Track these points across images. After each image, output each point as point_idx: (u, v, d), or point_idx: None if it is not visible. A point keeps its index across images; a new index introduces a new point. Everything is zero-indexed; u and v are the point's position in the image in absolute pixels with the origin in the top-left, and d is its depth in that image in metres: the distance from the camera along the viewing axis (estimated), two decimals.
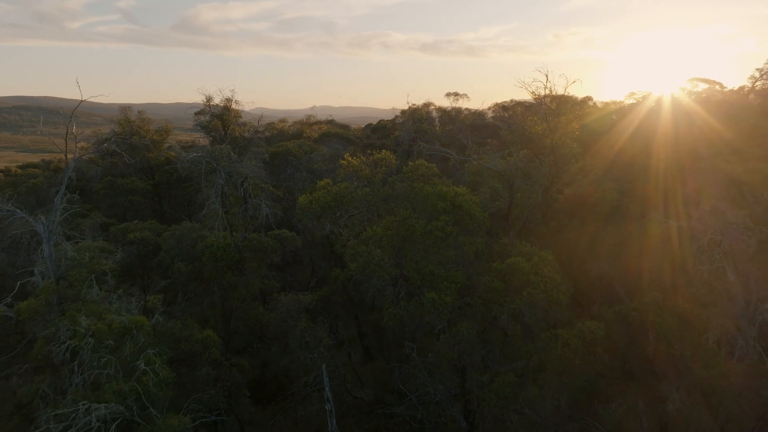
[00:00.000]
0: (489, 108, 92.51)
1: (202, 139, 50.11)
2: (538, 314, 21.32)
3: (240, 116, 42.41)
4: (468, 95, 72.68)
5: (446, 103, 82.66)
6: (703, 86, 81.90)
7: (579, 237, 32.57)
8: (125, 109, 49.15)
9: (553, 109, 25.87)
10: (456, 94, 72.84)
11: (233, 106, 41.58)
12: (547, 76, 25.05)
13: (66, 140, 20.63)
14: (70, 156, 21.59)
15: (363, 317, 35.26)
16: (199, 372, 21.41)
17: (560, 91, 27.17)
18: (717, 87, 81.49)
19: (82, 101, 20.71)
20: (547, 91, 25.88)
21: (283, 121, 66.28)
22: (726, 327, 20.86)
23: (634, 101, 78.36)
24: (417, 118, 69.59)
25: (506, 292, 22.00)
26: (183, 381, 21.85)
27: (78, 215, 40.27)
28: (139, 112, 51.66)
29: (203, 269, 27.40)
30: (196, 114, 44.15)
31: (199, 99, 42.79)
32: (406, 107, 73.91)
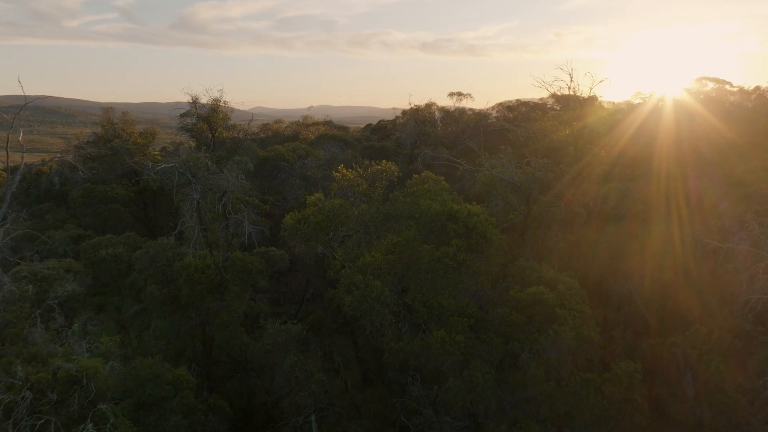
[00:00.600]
0: (492, 108, 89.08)
1: (191, 142, 46.81)
2: (565, 354, 18.13)
3: (229, 118, 39.14)
4: (472, 95, 69.46)
5: (449, 103, 79.32)
6: (711, 85, 78.56)
7: (595, 250, 29.07)
8: (107, 110, 45.85)
9: (577, 112, 22.65)
10: (459, 94, 69.48)
11: (222, 106, 38.30)
12: (571, 75, 21.91)
13: (6, 150, 17.35)
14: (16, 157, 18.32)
15: (361, 339, 32.08)
16: (167, 422, 18.21)
17: (574, 91, 24.12)
18: (726, 86, 78.17)
19: (27, 103, 17.48)
20: (571, 92, 22.65)
21: (278, 122, 62.98)
22: None
23: (641, 101, 75.36)
24: (419, 120, 66.46)
25: (527, 326, 18.83)
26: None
27: (52, 226, 37.04)
28: (123, 113, 48.34)
29: (180, 293, 24.22)
30: (182, 116, 40.83)
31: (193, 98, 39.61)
32: (407, 107, 70.61)
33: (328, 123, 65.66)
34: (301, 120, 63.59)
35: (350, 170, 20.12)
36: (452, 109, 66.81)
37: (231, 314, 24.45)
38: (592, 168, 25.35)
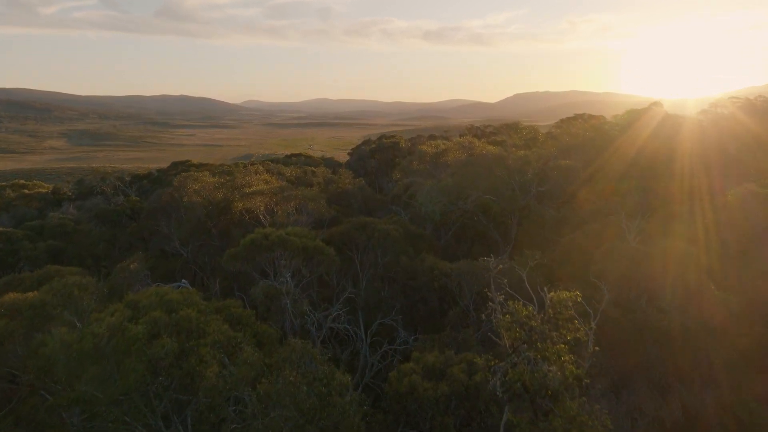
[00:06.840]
0: (553, 127, 65.98)
1: None
2: None
3: None
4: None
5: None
6: None
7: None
8: None
9: None
10: (516, 126, 41.06)
11: None
12: None
13: None
14: None
15: None
16: None
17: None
18: None
19: None
20: None
21: (197, 179, 34.69)
22: None
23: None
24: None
25: None
26: None
27: None
28: None
29: None
30: None
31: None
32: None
33: (285, 187, 34.81)
34: (239, 179, 35.10)
35: None
36: (510, 160, 37.82)
37: None
38: None
